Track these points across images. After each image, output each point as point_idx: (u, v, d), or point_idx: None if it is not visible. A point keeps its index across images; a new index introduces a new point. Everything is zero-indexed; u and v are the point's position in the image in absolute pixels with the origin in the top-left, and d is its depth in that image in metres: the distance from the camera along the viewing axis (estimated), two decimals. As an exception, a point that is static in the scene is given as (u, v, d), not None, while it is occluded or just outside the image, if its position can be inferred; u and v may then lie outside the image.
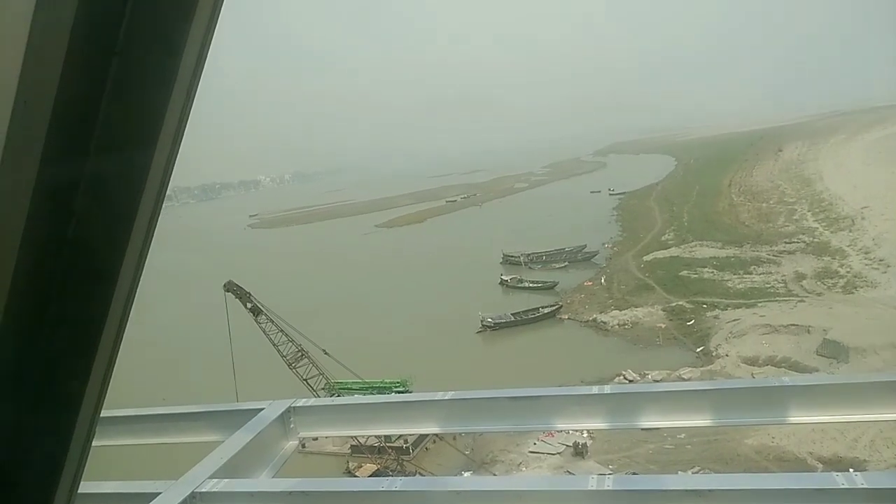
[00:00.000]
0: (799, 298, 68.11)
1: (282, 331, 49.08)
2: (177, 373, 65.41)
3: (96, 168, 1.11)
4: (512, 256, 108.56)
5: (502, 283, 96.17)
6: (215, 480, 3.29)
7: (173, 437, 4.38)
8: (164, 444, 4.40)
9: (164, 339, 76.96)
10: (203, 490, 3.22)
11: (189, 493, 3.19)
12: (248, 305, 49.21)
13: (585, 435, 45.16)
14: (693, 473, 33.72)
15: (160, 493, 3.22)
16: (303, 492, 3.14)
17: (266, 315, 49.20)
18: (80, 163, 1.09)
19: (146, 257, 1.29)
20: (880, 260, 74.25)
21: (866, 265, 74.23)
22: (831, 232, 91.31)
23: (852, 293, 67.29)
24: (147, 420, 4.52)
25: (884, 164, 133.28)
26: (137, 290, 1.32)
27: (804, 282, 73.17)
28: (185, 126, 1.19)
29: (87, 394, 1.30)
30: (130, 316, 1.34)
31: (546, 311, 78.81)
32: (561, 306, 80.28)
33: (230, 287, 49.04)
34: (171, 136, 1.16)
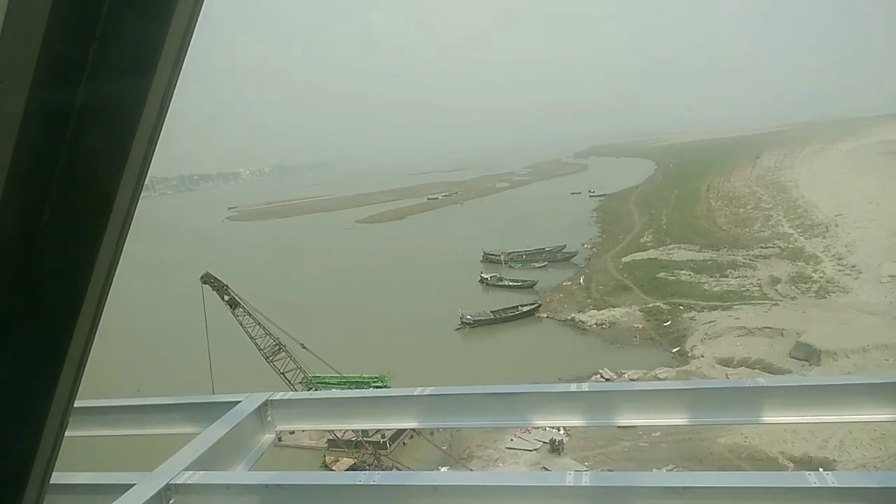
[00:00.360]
0: (773, 302, 69.19)
1: (259, 324, 48.66)
2: (151, 365, 64.59)
3: (73, 155, 1.08)
4: (492, 255, 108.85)
5: (482, 281, 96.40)
6: (191, 472, 3.26)
7: (149, 429, 4.32)
8: (139, 436, 4.34)
9: (139, 330, 75.94)
10: (178, 482, 3.18)
11: (164, 484, 3.15)
12: (226, 298, 48.70)
13: (562, 432, 45.49)
14: (667, 471, 34.15)
15: (134, 485, 3.18)
16: (279, 485, 3.12)
17: (243, 308, 48.75)
18: (57, 150, 1.06)
19: (123, 247, 1.27)
20: (852, 266, 75.74)
21: (839, 271, 75.65)
22: (806, 238, 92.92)
23: (825, 298, 68.53)
24: (122, 411, 4.45)
25: (857, 173, 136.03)
26: (113, 281, 1.30)
27: (779, 286, 74.34)
28: (165, 115, 1.16)
29: (60, 383, 1.28)
30: (106, 306, 1.31)
31: (525, 309, 79.18)
32: (540, 305, 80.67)
33: (207, 279, 48.48)
34: (151, 124, 1.13)
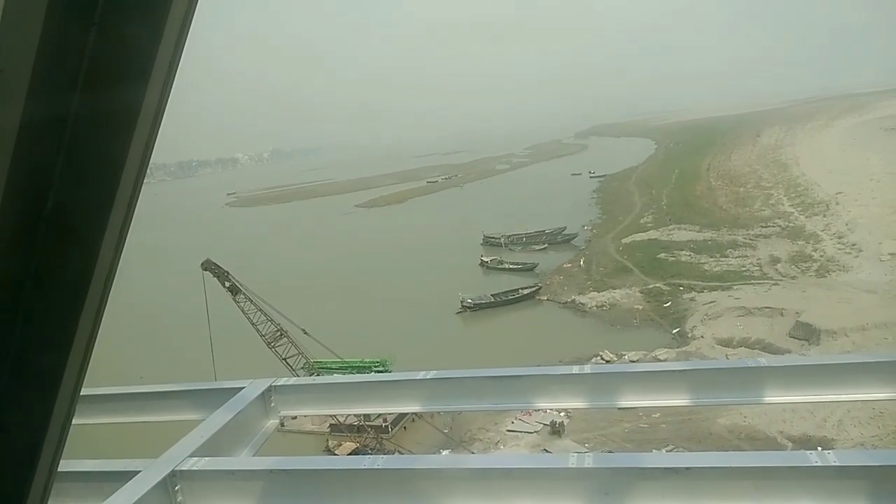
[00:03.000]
0: (773, 282, 69.29)
1: (260, 310, 48.81)
2: (154, 351, 64.88)
3: (75, 143, 1.07)
4: (492, 238, 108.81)
5: (482, 264, 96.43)
6: (196, 459, 3.28)
7: (153, 416, 4.35)
8: (144, 423, 4.37)
9: (142, 317, 76.13)
10: (183, 468, 3.21)
11: (169, 471, 3.18)
12: (227, 284, 48.80)
13: (562, 414, 45.78)
14: (667, 451, 34.40)
15: (140, 472, 3.21)
16: (284, 470, 3.14)
17: (244, 294, 48.87)
18: (59, 137, 1.06)
19: (126, 236, 1.26)
20: (853, 245, 75.73)
21: (839, 249, 75.67)
22: (806, 217, 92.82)
23: (825, 277, 68.64)
24: (127, 399, 4.49)
25: (858, 150, 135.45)
26: (118, 268, 1.30)
27: (779, 265, 74.41)
28: (166, 101, 1.15)
29: (66, 372, 1.28)
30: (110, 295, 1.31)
31: (525, 292, 79.33)
32: (540, 287, 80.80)
33: (208, 266, 48.56)
34: (153, 111, 1.12)
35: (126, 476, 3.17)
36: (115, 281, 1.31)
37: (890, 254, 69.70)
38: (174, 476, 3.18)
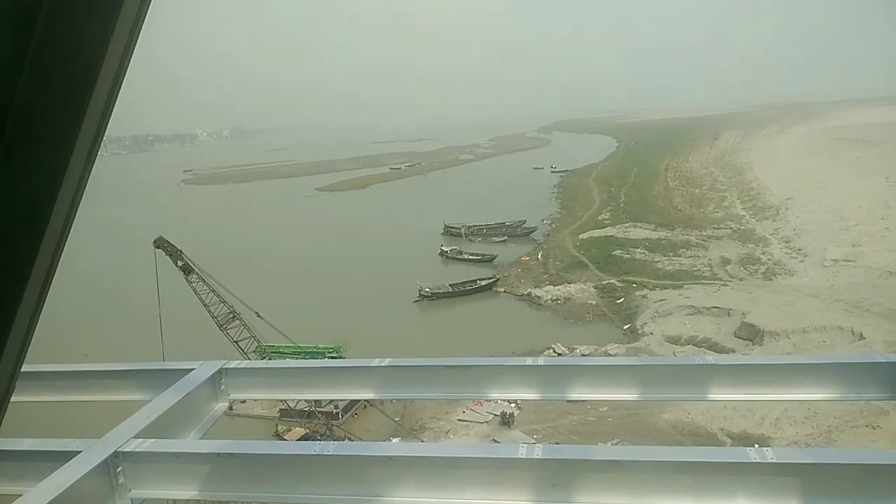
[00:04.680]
0: (722, 282, 71.35)
1: (213, 291, 47.90)
2: (100, 330, 63.07)
3: (25, 114, 1.02)
4: (453, 228, 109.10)
5: (442, 253, 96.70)
6: (140, 440, 3.20)
7: (98, 395, 4.21)
8: (87, 402, 4.23)
9: (89, 294, 73.84)
10: (126, 450, 3.12)
11: (111, 452, 3.08)
12: (179, 263, 47.71)
13: (513, 405, 46.37)
14: (612, 445, 35.20)
15: (80, 452, 3.11)
16: (231, 454, 3.09)
17: (197, 274, 47.85)
18: (7, 105, 1.01)
19: (76, 211, 1.23)
20: (799, 249, 78.58)
21: (786, 254, 78.41)
22: (757, 220, 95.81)
23: (771, 280, 71.03)
24: (70, 376, 4.33)
25: (809, 158, 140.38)
26: (66, 242, 1.27)
27: (728, 267, 76.65)
28: (125, 71, 1.11)
29: (7, 347, 1.25)
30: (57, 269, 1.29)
31: (483, 283, 79.89)
32: (498, 279, 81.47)
33: (160, 243, 47.35)
34: (110, 81, 1.07)
35: (66, 456, 3.07)
36: (62, 256, 1.28)
37: (833, 260, 72.56)
38: (116, 457, 3.09)
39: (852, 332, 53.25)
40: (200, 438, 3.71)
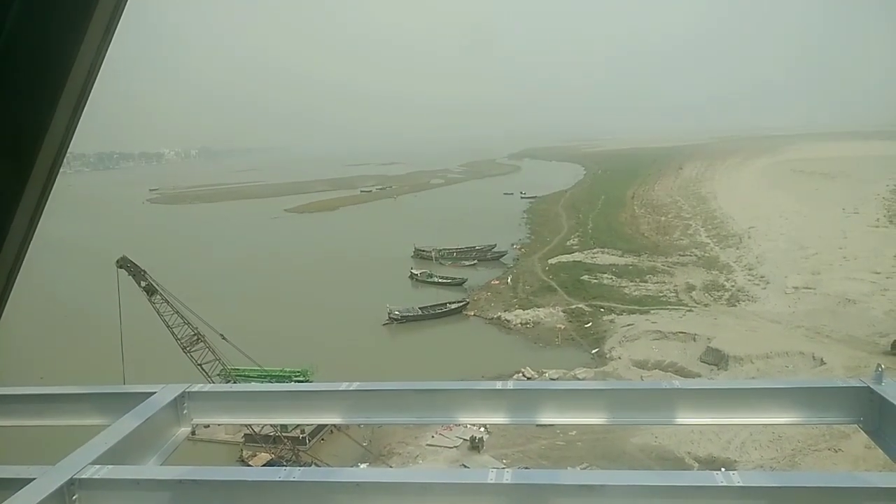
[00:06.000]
0: (688, 308, 72.49)
1: (177, 312, 46.91)
2: (59, 351, 61.14)
3: None
4: (423, 251, 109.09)
5: (412, 276, 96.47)
6: (97, 466, 3.08)
7: (54, 420, 4.05)
8: (43, 427, 4.07)
9: (48, 314, 71.66)
10: (83, 476, 3.00)
11: (67, 478, 2.97)
12: (143, 284, 46.68)
13: (482, 430, 46.11)
14: (582, 469, 35.22)
15: (34, 479, 2.99)
16: (194, 480, 3.00)
17: (161, 295, 46.86)
18: None
19: (37, 226, 1.19)
20: (761, 277, 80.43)
21: (749, 281, 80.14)
22: (721, 248, 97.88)
23: (735, 306, 72.42)
24: (25, 400, 4.16)
25: (770, 188, 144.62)
26: (24, 260, 1.24)
27: (693, 293, 77.97)
28: (91, 86, 1.06)
29: None
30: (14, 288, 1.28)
31: (453, 306, 79.84)
32: (468, 303, 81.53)
33: (123, 263, 46.32)
34: (76, 96, 1.03)
35: (18, 483, 2.94)
36: (19, 275, 1.26)
37: (794, 287, 74.42)
38: (72, 484, 2.98)
39: (813, 357, 54.47)
40: (161, 464, 3.60)
